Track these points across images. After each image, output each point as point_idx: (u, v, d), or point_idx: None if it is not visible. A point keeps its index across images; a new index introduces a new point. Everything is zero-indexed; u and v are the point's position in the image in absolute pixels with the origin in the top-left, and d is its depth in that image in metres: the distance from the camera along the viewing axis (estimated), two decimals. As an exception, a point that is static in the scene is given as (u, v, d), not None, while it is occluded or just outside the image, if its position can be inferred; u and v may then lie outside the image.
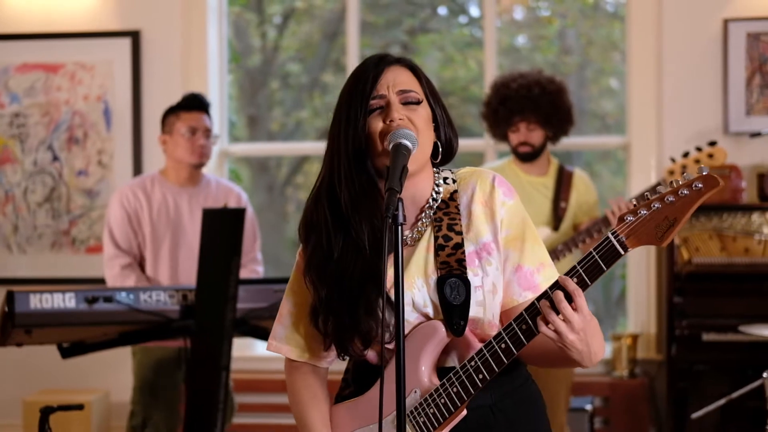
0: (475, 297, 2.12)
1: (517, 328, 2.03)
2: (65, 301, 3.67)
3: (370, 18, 6.87)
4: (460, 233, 2.15)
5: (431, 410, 2.11)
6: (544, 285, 2.12)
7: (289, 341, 2.27)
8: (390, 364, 2.14)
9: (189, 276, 4.34)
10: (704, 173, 1.93)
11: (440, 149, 2.19)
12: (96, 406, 5.37)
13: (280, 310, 2.29)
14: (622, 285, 6.03)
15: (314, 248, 2.18)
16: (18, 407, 5.44)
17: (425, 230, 2.18)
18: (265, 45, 6.89)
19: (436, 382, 2.12)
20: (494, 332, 2.12)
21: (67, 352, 3.94)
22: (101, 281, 5.42)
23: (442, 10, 6.92)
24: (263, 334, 4.08)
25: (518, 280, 2.16)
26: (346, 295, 2.12)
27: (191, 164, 4.41)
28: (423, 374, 2.13)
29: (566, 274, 2.00)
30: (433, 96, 2.19)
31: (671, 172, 4.25)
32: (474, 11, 6.91)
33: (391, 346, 2.13)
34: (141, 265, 4.40)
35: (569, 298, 1.96)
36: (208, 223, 3.68)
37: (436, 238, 2.15)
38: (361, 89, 2.12)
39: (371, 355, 2.19)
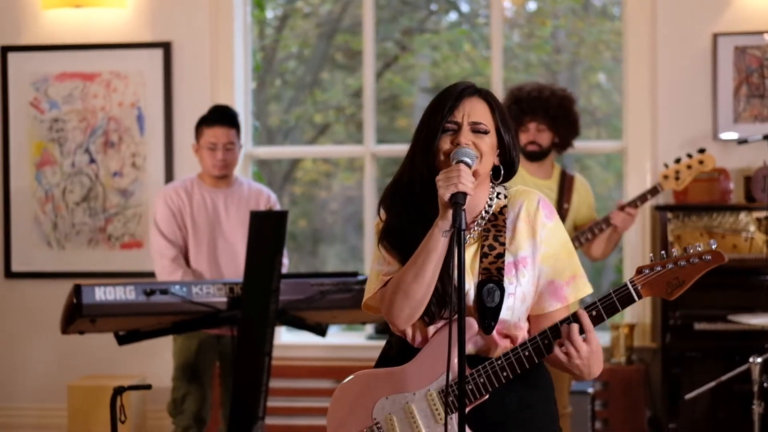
0: (507, 302, 2.50)
1: (540, 342, 2.46)
2: (126, 293, 4.09)
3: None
4: (503, 244, 2.53)
5: (468, 387, 2.47)
6: (572, 297, 2.55)
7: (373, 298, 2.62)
8: (428, 344, 2.54)
9: (227, 268, 4.77)
10: (713, 247, 2.40)
11: (501, 171, 2.59)
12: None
13: (370, 273, 2.66)
14: (618, 277, 6.46)
15: (391, 228, 2.58)
16: (63, 392, 5.86)
17: (474, 237, 2.57)
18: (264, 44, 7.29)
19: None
20: (518, 332, 2.55)
21: (123, 340, 4.36)
22: (136, 275, 5.88)
23: (434, 7, 7.25)
24: (300, 323, 4.52)
25: (550, 292, 2.55)
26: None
27: (213, 176, 4.83)
28: (455, 361, 2.46)
29: (587, 308, 2.44)
30: (504, 124, 2.58)
31: (665, 177, 4.69)
32: (464, 7, 7.27)
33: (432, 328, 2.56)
34: (185, 257, 4.81)
35: (583, 329, 2.42)
36: (255, 224, 4.11)
37: (482, 246, 2.54)
38: (440, 111, 2.54)
39: (410, 333, 2.58)
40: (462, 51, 7.65)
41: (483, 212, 2.59)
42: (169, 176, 6.07)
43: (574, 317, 2.43)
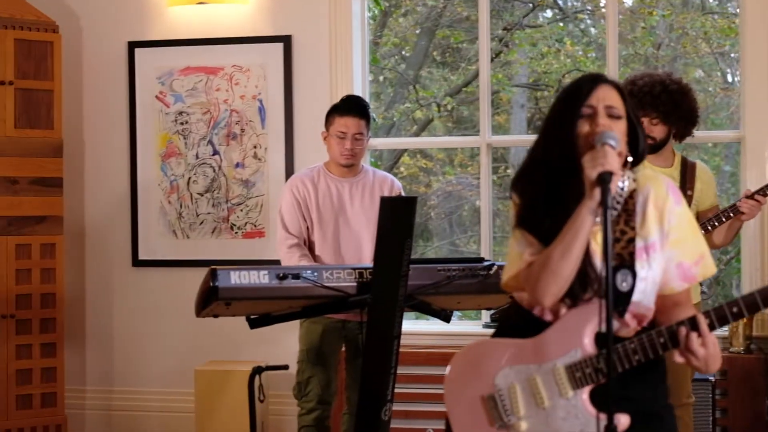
0: (639, 287, 2.60)
1: (677, 331, 2.51)
2: (260, 277, 4.21)
3: (467, 12, 7.27)
4: (633, 229, 2.62)
5: (588, 370, 2.55)
6: (700, 276, 2.65)
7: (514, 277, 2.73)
8: (559, 321, 2.62)
9: (350, 257, 4.88)
10: None
11: (628, 158, 2.68)
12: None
13: (510, 254, 2.75)
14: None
15: (529, 211, 2.69)
16: (190, 377, 6.06)
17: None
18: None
19: (591, 349, 2.57)
20: (647, 313, 2.64)
21: (254, 323, 4.48)
22: (258, 263, 6.03)
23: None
24: (426, 309, 4.61)
25: (678, 273, 2.65)
26: None
27: (340, 164, 4.95)
28: (585, 340, 2.58)
29: (729, 303, 2.49)
30: (633, 111, 2.70)
31: None
32: (563, 3, 7.28)
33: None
34: (310, 248, 4.94)
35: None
36: (386, 209, 4.20)
37: (614, 232, 2.61)
38: (576, 97, 2.65)
39: (539, 311, 2.68)
40: (562, 47, 7.67)
41: (617, 196, 2.66)
42: (289, 167, 6.22)
43: (693, 325, 2.49)
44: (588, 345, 2.57)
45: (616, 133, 2.58)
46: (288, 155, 6.26)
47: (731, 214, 4.70)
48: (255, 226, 6.29)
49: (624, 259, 2.58)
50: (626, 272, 2.56)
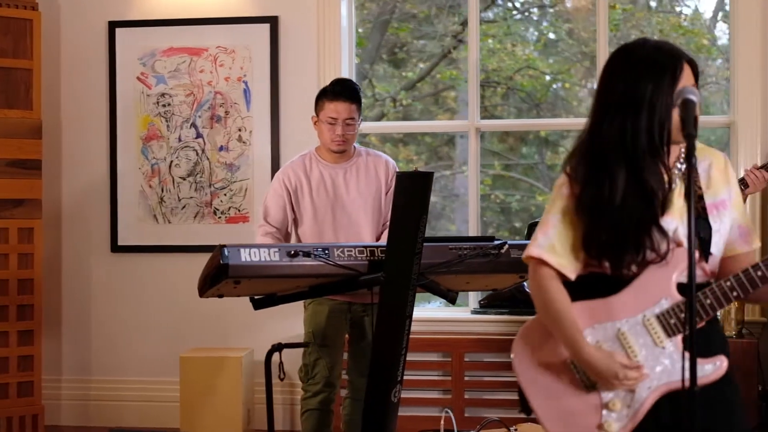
0: (714, 239, 2.69)
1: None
2: (270, 254, 4.09)
3: (421, 8, 7.23)
4: (700, 188, 2.72)
5: (683, 314, 2.60)
6: (755, 243, 2.78)
7: (548, 250, 2.71)
8: (640, 276, 2.65)
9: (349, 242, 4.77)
10: None
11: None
12: (245, 360, 5.83)
13: (545, 222, 2.75)
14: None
15: (591, 193, 2.66)
16: (174, 364, 5.91)
17: (677, 182, 2.70)
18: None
19: (680, 296, 2.62)
20: (716, 268, 2.73)
21: (259, 304, 4.36)
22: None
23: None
24: (434, 288, 4.52)
25: (740, 235, 2.77)
26: (630, 232, 2.62)
27: (331, 150, 4.81)
28: (674, 288, 2.64)
29: None
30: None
31: None
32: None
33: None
34: (299, 240, 4.79)
35: None
36: (401, 185, 4.11)
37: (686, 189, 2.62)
38: (670, 83, 2.62)
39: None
40: (518, 42, 7.66)
41: (681, 159, 2.74)
42: (275, 150, 6.11)
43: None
44: (675, 293, 2.64)
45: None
46: (273, 138, 6.14)
47: (742, 187, 4.69)
48: (239, 210, 6.17)
49: (698, 212, 2.67)
50: (703, 222, 2.67)
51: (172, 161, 6.22)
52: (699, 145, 2.74)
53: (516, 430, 5.00)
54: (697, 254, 2.63)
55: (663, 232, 2.62)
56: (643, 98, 2.62)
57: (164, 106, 6.22)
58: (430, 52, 7.46)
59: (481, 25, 6.86)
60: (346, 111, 4.72)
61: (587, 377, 2.70)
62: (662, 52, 2.67)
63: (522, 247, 4.39)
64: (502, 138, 7.50)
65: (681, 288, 2.63)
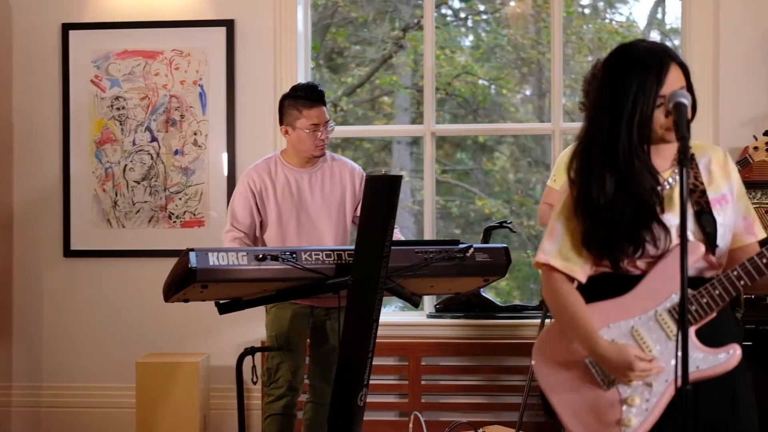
0: (719, 231, 2.77)
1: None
2: (238, 258, 4.07)
3: (359, 13, 7.27)
4: (702, 183, 2.79)
5: (693, 307, 2.67)
6: (760, 234, 2.85)
7: (556, 255, 2.81)
8: (649, 274, 2.73)
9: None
10: None
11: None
12: (202, 365, 5.79)
13: (551, 228, 2.85)
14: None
15: (582, 193, 2.74)
16: (129, 370, 5.85)
17: (676, 178, 2.75)
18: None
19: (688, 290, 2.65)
20: (724, 261, 2.77)
21: (224, 308, 4.34)
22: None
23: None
24: (399, 292, 4.53)
25: (745, 226, 2.85)
26: (622, 228, 2.69)
27: (314, 156, 4.81)
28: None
29: None
30: (691, 88, 2.75)
31: (756, 149, 4.77)
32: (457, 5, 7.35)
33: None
34: (264, 243, 4.77)
35: None
36: (370, 188, 4.12)
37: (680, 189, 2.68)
38: (651, 84, 2.66)
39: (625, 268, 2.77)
40: (456, 47, 7.72)
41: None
42: (231, 154, 6.08)
43: None
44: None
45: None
46: (229, 142, 6.11)
47: (740, 168, 4.75)
48: (194, 215, 6.13)
49: (702, 207, 2.75)
50: (708, 216, 2.75)
51: (126, 165, 6.16)
52: (698, 142, 2.81)
53: (481, 432, 5.03)
54: (703, 247, 2.72)
55: (664, 228, 2.70)
56: (626, 98, 2.68)
57: (118, 109, 6.16)
58: (370, 57, 7.50)
59: (419, 31, 6.92)
60: (324, 115, 4.77)
61: (605, 374, 2.76)
62: (650, 53, 2.71)
63: (486, 251, 4.45)
64: (438, 144, 7.56)
65: (690, 282, 2.67)
